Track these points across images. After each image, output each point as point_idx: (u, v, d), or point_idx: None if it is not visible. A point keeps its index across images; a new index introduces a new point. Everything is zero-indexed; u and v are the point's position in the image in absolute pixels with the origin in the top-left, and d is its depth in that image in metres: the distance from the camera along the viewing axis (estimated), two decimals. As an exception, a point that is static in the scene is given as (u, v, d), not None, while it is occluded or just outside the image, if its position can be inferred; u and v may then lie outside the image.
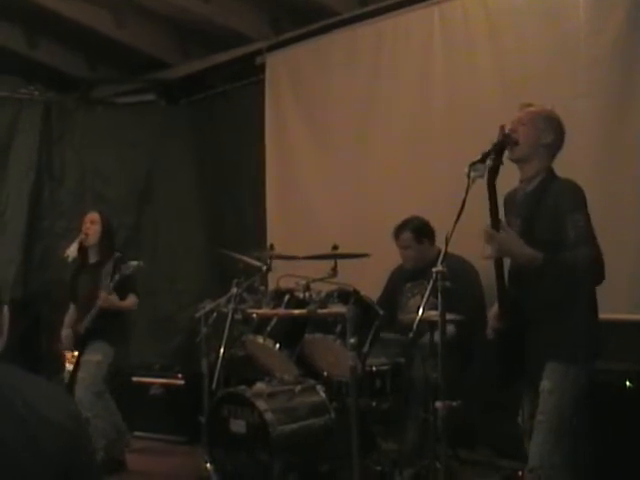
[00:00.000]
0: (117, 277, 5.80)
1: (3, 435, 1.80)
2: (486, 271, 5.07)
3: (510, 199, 4.06)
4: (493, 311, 4.08)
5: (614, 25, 5.29)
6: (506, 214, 4.02)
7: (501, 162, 3.72)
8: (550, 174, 3.94)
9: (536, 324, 3.80)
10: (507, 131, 3.82)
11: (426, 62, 6.37)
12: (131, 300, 6.11)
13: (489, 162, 3.68)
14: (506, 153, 3.79)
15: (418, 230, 5.58)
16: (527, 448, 4.04)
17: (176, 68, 8.62)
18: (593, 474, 4.35)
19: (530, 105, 4.05)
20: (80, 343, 6.05)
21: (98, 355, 5.98)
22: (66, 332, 6.28)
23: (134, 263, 5.85)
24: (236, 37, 7.75)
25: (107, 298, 5.86)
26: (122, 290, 5.99)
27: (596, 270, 3.74)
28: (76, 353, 6.05)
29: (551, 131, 3.96)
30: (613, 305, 4.64)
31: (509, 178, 3.96)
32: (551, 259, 3.67)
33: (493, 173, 3.68)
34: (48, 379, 6.13)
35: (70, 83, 8.87)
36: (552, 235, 3.75)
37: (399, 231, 5.63)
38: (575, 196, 3.80)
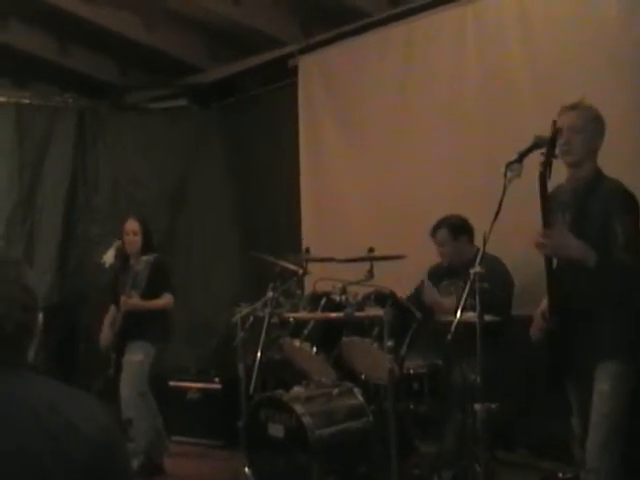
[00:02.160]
0: (132, 277, 5.85)
1: (32, 449, 1.82)
2: (526, 269, 5.07)
3: (556, 195, 4.00)
4: (541, 309, 4.04)
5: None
6: (552, 210, 3.97)
7: (554, 156, 3.69)
8: (598, 173, 3.93)
9: (589, 321, 3.75)
10: (558, 126, 3.77)
11: (458, 61, 6.33)
12: (164, 300, 6.14)
13: (539, 158, 3.65)
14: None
15: (454, 227, 5.55)
16: (576, 449, 4.02)
17: (207, 72, 8.64)
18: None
19: (574, 107, 3.99)
20: (119, 344, 6.09)
21: (139, 355, 6.03)
22: (104, 330, 6.33)
23: (144, 258, 5.91)
24: (267, 40, 7.75)
25: (126, 301, 5.94)
26: (152, 288, 6.03)
27: (637, 280, 3.72)
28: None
29: (601, 133, 3.95)
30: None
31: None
32: (603, 260, 3.63)
33: (545, 168, 3.65)
34: (87, 383, 6.20)
35: (102, 89, 8.92)
36: (600, 234, 3.72)
37: (435, 229, 5.61)
38: (626, 199, 3.79)
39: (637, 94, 5.25)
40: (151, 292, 6.05)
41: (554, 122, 3.76)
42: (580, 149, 3.86)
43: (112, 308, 6.40)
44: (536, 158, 3.73)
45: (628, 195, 3.80)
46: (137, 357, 6.02)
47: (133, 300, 5.95)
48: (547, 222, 3.71)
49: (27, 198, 8.25)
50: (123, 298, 5.93)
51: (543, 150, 3.69)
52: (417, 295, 5.75)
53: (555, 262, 3.85)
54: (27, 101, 8.26)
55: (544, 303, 4.01)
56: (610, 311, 3.74)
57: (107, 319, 6.40)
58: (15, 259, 2.07)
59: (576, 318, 3.78)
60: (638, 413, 4.00)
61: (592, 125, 3.92)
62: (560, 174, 3.98)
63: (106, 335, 6.30)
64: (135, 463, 5.78)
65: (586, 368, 3.77)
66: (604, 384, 3.72)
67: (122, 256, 6.28)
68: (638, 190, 4.01)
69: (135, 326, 6.02)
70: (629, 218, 3.72)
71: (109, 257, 6.22)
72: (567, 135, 3.83)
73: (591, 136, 3.90)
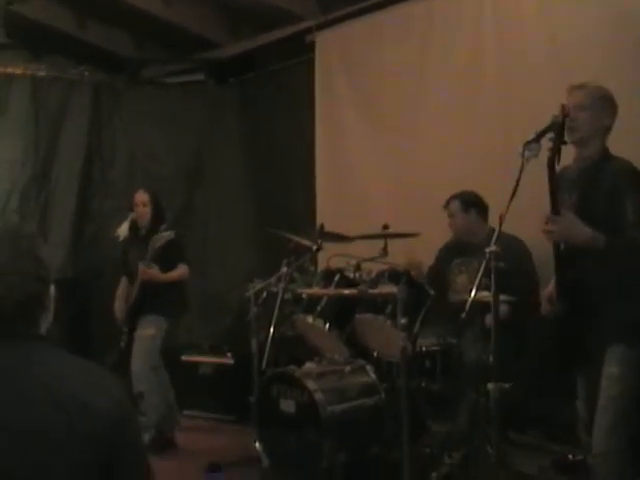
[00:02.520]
0: (151, 250, 5.84)
1: (44, 422, 1.83)
2: (539, 250, 5.03)
3: (563, 176, 3.97)
4: (548, 290, 4.02)
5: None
6: (559, 191, 3.94)
7: (563, 142, 3.66)
8: (605, 152, 3.88)
9: (598, 306, 3.72)
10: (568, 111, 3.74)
11: (477, 39, 6.28)
12: (179, 270, 6.14)
13: (549, 143, 3.62)
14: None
15: (465, 200, 5.58)
16: (582, 433, 4.00)
17: (224, 48, 8.61)
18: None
19: (581, 87, 3.96)
20: (131, 318, 6.10)
21: (152, 329, 6.04)
22: (118, 304, 6.34)
23: (165, 234, 5.88)
24: (285, 16, 7.70)
25: (145, 271, 5.92)
26: (168, 260, 6.03)
27: None
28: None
29: (609, 111, 3.90)
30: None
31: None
32: (613, 241, 3.60)
33: (554, 154, 3.62)
34: (101, 357, 6.22)
35: (119, 63, 8.90)
36: (609, 213, 3.69)
37: (448, 201, 5.64)
38: (635, 177, 3.74)
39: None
40: (167, 266, 6.04)
41: (562, 106, 3.73)
42: (586, 127, 3.81)
43: (123, 280, 6.41)
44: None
45: (637, 172, 3.77)
46: (149, 331, 6.04)
47: (152, 270, 5.94)
48: (555, 208, 3.69)
49: (42, 172, 8.27)
50: (142, 268, 5.91)
51: (551, 135, 3.67)
52: (434, 274, 5.74)
53: (563, 245, 3.82)
54: (43, 73, 8.25)
55: (551, 285, 4.00)
56: (619, 295, 3.70)
57: (119, 292, 6.41)
58: (29, 232, 2.08)
59: (584, 302, 3.75)
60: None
61: (599, 103, 3.88)
62: (569, 159, 3.96)
63: (120, 308, 6.31)
64: (146, 437, 5.80)
65: (595, 352, 3.74)
66: (613, 367, 3.69)
67: (134, 228, 6.28)
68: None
69: (149, 300, 6.03)
70: (638, 195, 3.68)
71: (123, 230, 6.22)
72: (573, 113, 3.79)
73: (598, 114, 3.85)
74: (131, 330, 6.11)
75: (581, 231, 3.66)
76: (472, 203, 5.56)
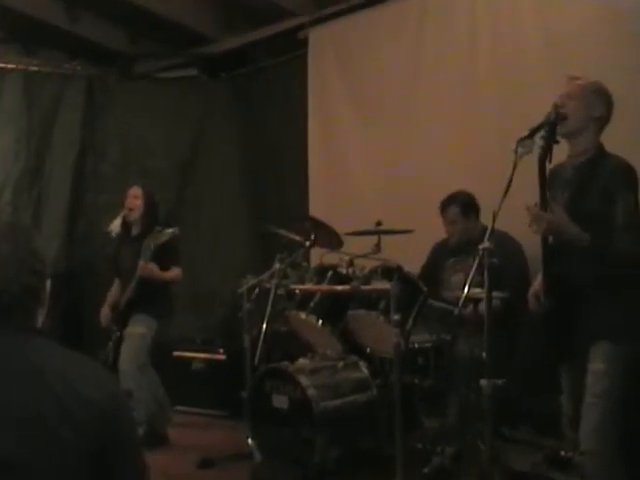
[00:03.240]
0: (152, 246, 5.81)
1: (42, 410, 1.85)
2: (531, 247, 5.03)
3: (557, 173, 3.98)
4: (534, 288, 4.03)
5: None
6: (551, 188, 3.94)
7: (555, 141, 3.67)
8: (600, 149, 3.87)
9: (585, 302, 3.71)
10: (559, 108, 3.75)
11: (471, 35, 6.30)
12: (174, 272, 6.11)
13: (541, 141, 3.63)
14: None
15: (465, 204, 5.53)
16: (567, 429, 4.01)
17: (218, 43, 8.60)
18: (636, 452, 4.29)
19: (577, 78, 3.97)
20: (123, 316, 6.09)
21: (142, 328, 6.01)
22: (104, 310, 6.32)
23: (169, 231, 5.83)
24: (278, 11, 7.70)
25: (145, 267, 5.86)
26: (163, 261, 5.99)
27: (636, 262, 3.68)
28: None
29: (601, 104, 3.87)
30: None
31: (556, 153, 3.89)
32: (597, 242, 3.61)
33: (545, 151, 3.63)
34: (92, 352, 6.21)
35: (112, 58, 8.89)
36: (600, 211, 3.68)
37: (446, 206, 5.57)
38: (629, 176, 3.73)
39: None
40: (162, 265, 6.02)
41: (555, 105, 3.74)
42: (574, 115, 3.78)
43: (116, 282, 6.38)
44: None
45: (630, 171, 3.74)
46: (139, 330, 6.01)
47: (151, 266, 5.91)
48: (544, 204, 3.69)
49: (35, 165, 8.26)
50: (141, 263, 5.85)
51: (543, 133, 3.67)
52: (427, 272, 5.74)
53: (551, 241, 3.82)
54: (35, 68, 8.24)
55: (537, 282, 4.00)
56: (604, 292, 3.69)
57: (109, 295, 6.39)
58: (25, 225, 2.10)
59: (570, 297, 3.76)
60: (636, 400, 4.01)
61: (591, 94, 3.86)
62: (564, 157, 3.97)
63: (105, 314, 6.30)
64: (139, 432, 5.80)
65: (580, 349, 3.74)
66: (599, 364, 3.68)
67: (125, 227, 6.25)
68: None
69: (140, 299, 6.00)
70: (631, 194, 3.68)
71: (116, 226, 6.20)
72: (561, 101, 3.79)
73: (588, 104, 3.83)
74: (121, 328, 6.09)
75: (566, 229, 3.66)
76: (470, 207, 5.53)
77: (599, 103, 3.87)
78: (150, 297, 5.97)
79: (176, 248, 6.12)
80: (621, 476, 3.75)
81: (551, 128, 3.68)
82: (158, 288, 6.03)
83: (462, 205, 5.52)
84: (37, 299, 2.02)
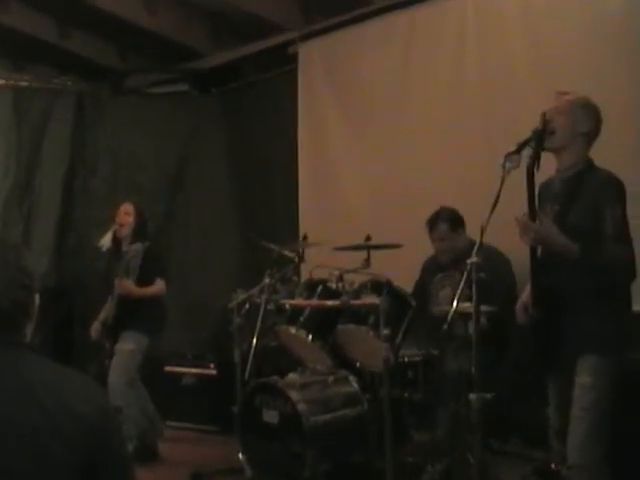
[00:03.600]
0: (125, 263, 5.82)
1: (32, 426, 1.84)
2: (519, 260, 5.05)
3: (546, 187, 4.01)
4: (522, 300, 4.04)
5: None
6: (541, 202, 3.97)
7: (542, 148, 3.69)
8: (588, 163, 3.89)
9: (572, 314, 3.73)
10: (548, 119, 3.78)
11: (459, 50, 6.32)
12: (156, 286, 6.09)
13: (529, 150, 3.65)
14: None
15: (453, 220, 5.52)
16: (553, 441, 4.02)
17: (208, 58, 8.63)
18: (622, 464, 4.29)
19: (566, 93, 4.00)
20: (112, 333, 6.08)
21: (131, 344, 5.99)
22: (95, 325, 6.31)
23: (135, 246, 5.85)
24: (268, 26, 7.73)
25: (121, 284, 5.87)
26: (145, 275, 5.99)
27: (629, 269, 3.72)
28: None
29: (589, 119, 3.90)
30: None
31: (546, 168, 3.91)
32: (587, 254, 3.62)
33: (533, 161, 3.65)
34: (83, 367, 6.20)
35: (102, 73, 8.90)
36: (589, 224, 3.70)
37: (434, 223, 5.54)
38: (617, 189, 3.76)
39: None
40: (144, 280, 6.01)
41: (543, 114, 3.76)
42: (562, 131, 3.80)
43: (109, 300, 6.37)
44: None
45: (618, 184, 3.77)
46: (129, 346, 5.99)
47: (126, 283, 5.89)
48: (532, 214, 3.71)
49: (25, 180, 8.26)
50: (117, 281, 5.88)
51: (531, 143, 3.70)
52: (419, 288, 5.75)
53: (540, 253, 3.84)
54: (25, 83, 8.24)
55: (525, 295, 4.02)
56: (592, 304, 3.71)
57: (103, 311, 6.37)
58: (14, 241, 2.11)
59: (558, 309, 3.77)
60: (626, 411, 4.01)
61: (579, 110, 3.88)
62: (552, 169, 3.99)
63: (96, 329, 6.28)
64: (130, 448, 5.79)
65: (567, 361, 3.75)
66: (585, 377, 3.69)
67: (115, 243, 6.24)
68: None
69: (129, 315, 5.98)
70: (619, 207, 3.70)
71: (106, 241, 6.19)
72: (549, 116, 3.82)
73: (575, 119, 3.85)
74: (112, 345, 6.08)
75: (555, 239, 3.68)
76: (458, 222, 5.53)
77: (587, 119, 3.90)
78: (136, 313, 5.96)
79: (157, 261, 6.13)
80: None
81: (539, 136, 3.70)
82: (142, 304, 6.01)
83: (450, 221, 5.51)
84: (26, 314, 2.02)
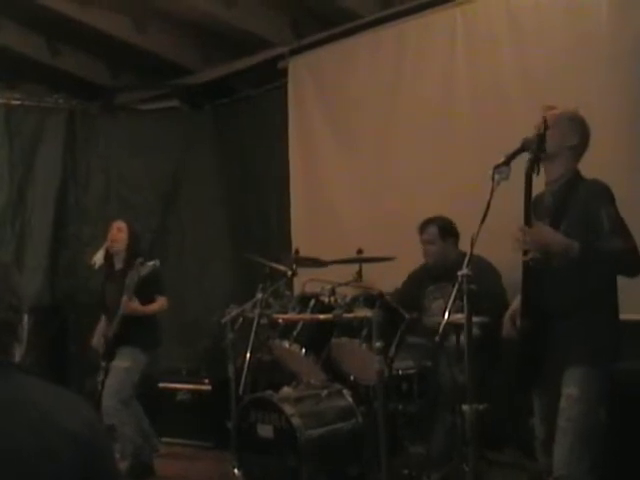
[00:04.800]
0: (135, 280, 5.80)
1: (20, 446, 1.83)
2: (509, 272, 5.07)
3: (537, 202, 4.01)
4: (509, 313, 4.05)
5: (637, 21, 5.25)
6: (535, 216, 3.98)
7: (544, 150, 3.69)
8: (576, 174, 3.91)
9: (559, 326, 3.74)
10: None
11: (449, 63, 6.35)
12: (158, 303, 6.11)
13: (529, 154, 3.66)
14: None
15: (444, 227, 5.57)
16: (539, 452, 4.01)
17: (199, 74, 8.64)
18: (614, 474, 4.29)
19: (553, 107, 4.01)
20: (109, 350, 6.07)
21: (127, 362, 5.99)
22: (97, 338, 6.29)
23: (150, 263, 5.83)
24: (258, 42, 7.75)
25: (128, 304, 5.86)
26: (147, 293, 6.00)
27: (633, 260, 3.70)
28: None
29: (576, 133, 3.92)
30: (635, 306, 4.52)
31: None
32: (587, 249, 3.62)
33: (532, 165, 3.66)
34: (77, 384, 6.18)
35: (93, 90, 8.91)
36: (582, 231, 3.70)
37: (425, 225, 5.61)
38: (607, 192, 3.78)
39: (628, 99, 5.27)
40: (146, 297, 6.03)
41: (544, 118, 3.77)
42: (549, 144, 3.78)
43: (103, 319, 6.34)
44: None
45: (607, 188, 3.80)
46: (125, 364, 5.97)
47: (134, 304, 5.90)
48: (528, 219, 3.72)
49: (17, 199, 8.24)
50: (124, 300, 5.84)
51: (532, 147, 3.70)
52: (403, 298, 5.75)
53: (532, 263, 3.83)
54: (17, 101, 8.26)
55: (515, 304, 4.03)
56: (580, 316, 3.72)
57: (98, 329, 6.36)
58: (4, 261, 2.10)
59: (546, 320, 3.78)
60: (617, 422, 4.02)
61: (566, 123, 3.90)
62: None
63: (99, 342, 6.27)
64: (125, 465, 5.78)
65: (556, 371, 3.75)
66: (572, 388, 3.69)
67: (109, 261, 6.25)
68: (632, 190, 4.01)
69: (126, 332, 5.97)
70: (613, 206, 3.73)
71: (99, 258, 6.20)
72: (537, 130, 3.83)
73: (563, 132, 3.86)
74: (108, 363, 6.06)
75: (555, 239, 3.69)
76: (449, 230, 5.56)
77: (573, 132, 3.92)
78: (136, 330, 5.96)
79: (159, 279, 6.12)
80: None
81: (540, 140, 3.70)
82: (144, 320, 6.03)
83: (440, 227, 5.56)
84: (14, 334, 2.01)
